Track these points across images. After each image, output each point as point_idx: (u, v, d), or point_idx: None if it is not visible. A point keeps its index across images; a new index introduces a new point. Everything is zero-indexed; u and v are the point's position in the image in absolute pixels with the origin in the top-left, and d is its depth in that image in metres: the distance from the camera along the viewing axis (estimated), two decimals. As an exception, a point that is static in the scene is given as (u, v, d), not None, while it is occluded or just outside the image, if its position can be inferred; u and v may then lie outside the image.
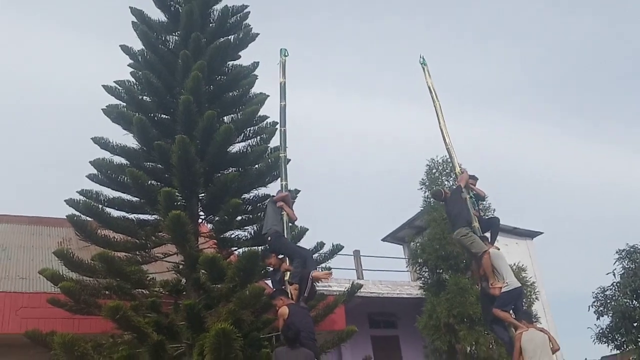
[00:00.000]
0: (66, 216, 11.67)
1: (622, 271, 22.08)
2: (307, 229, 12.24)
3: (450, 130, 10.77)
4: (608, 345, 22.80)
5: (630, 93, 71.21)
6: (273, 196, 9.17)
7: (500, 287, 8.43)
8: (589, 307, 22.48)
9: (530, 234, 22.64)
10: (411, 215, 20.09)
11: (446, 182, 14.82)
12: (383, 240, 22.49)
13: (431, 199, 15.07)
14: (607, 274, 22.81)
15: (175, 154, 10.88)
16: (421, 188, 15.48)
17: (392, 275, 20.15)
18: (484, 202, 13.10)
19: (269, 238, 7.95)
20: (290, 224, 9.00)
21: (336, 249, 12.49)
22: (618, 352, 23.96)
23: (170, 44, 13.78)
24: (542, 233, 22.79)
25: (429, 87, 11.31)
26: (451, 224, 9.43)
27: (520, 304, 8.80)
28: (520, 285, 8.77)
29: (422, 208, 15.82)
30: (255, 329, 10.55)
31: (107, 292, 11.00)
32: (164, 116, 12.99)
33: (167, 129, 12.58)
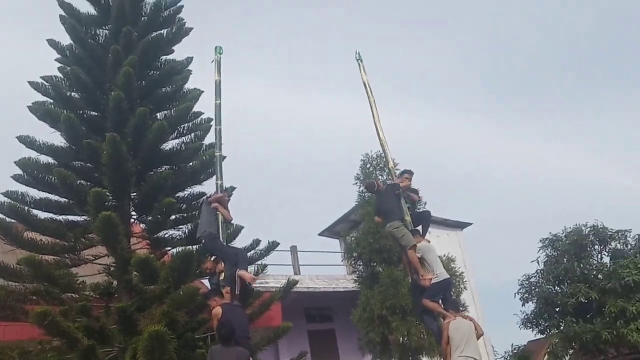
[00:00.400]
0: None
1: (546, 259, 23.36)
2: (242, 227, 12.25)
3: (384, 123, 11.04)
4: (533, 330, 24.08)
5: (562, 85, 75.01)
6: (209, 196, 9.11)
7: (430, 279, 8.78)
8: (515, 294, 23.64)
9: (460, 225, 23.52)
10: (347, 209, 20.49)
11: (380, 177, 15.14)
12: (320, 234, 22.83)
13: (366, 194, 15.40)
14: (532, 262, 24.04)
15: (105, 152, 10.62)
16: (356, 183, 15.81)
17: (328, 270, 20.46)
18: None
19: (203, 241, 7.91)
20: (225, 224, 8.99)
21: (271, 246, 12.58)
22: (542, 336, 25.38)
23: (101, 38, 13.34)
24: (471, 224, 23.73)
25: (364, 83, 11.52)
26: (383, 217, 9.68)
27: (448, 295, 9.21)
28: (449, 276, 9.17)
29: (357, 202, 16.12)
30: (189, 329, 10.48)
31: (34, 298, 10.64)
32: (94, 113, 12.61)
33: (97, 127, 12.22)
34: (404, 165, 10.57)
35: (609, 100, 73.04)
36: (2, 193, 11.60)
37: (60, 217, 11.98)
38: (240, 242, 12.84)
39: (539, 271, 23.37)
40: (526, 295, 23.27)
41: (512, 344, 33.54)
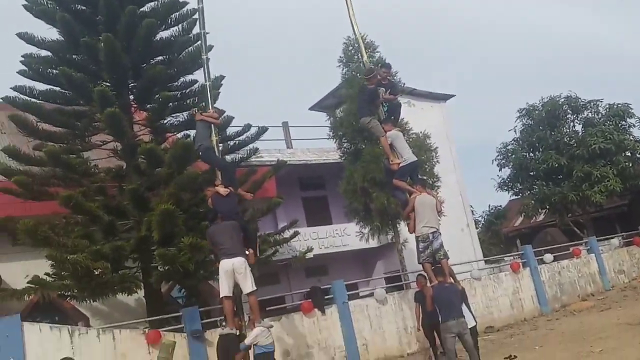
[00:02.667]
0: (8, 116, 12.33)
1: (522, 128, 24.92)
2: (233, 118, 13.46)
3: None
4: (508, 193, 26.44)
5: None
6: (201, 112, 9.71)
7: (398, 163, 10.18)
8: (493, 160, 25.57)
9: (444, 97, 24.47)
10: (335, 85, 21.32)
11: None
12: (310, 109, 23.73)
13: (350, 74, 16.30)
14: (509, 130, 25.77)
15: (102, 52, 11.51)
16: (339, 65, 16.63)
17: (319, 143, 21.66)
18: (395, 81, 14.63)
19: (200, 153, 9.00)
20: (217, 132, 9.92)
21: (261, 131, 13.89)
22: (517, 197, 27.67)
23: None
24: (454, 95, 24.72)
25: None
26: (358, 110, 10.95)
27: (415, 175, 10.65)
28: (415, 159, 10.52)
29: (340, 82, 17.06)
30: (194, 204, 12.07)
31: (55, 181, 12.11)
32: (85, 8, 13.11)
33: (90, 23, 12.87)
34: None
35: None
36: (11, 88, 12.62)
37: (67, 108, 13.03)
38: (234, 124, 14.21)
39: (515, 139, 25.07)
40: (503, 161, 25.22)
41: (489, 205, 36.51)
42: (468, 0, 77.47)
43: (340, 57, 16.51)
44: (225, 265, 7.71)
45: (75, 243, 10.91)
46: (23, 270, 11.91)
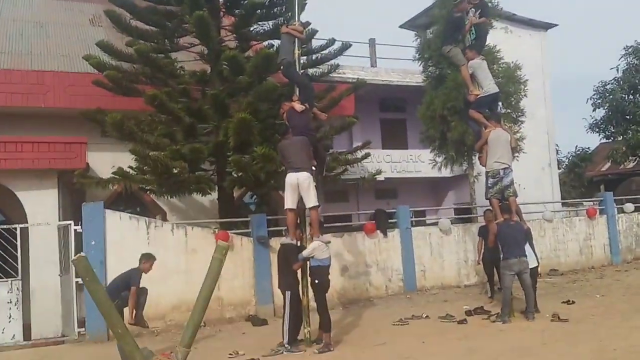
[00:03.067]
0: (104, 11, 12.78)
1: (626, 67, 22.99)
2: (317, 31, 13.30)
3: None
4: (599, 135, 24.90)
5: None
6: (287, 25, 9.59)
7: (477, 94, 9.83)
8: (588, 99, 23.96)
9: (545, 26, 22.82)
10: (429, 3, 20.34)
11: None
12: (401, 27, 22.90)
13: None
14: (611, 69, 23.81)
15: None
16: (433, -20, 15.80)
17: (404, 64, 21.03)
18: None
19: (281, 67, 9.02)
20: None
21: (344, 47, 13.66)
22: (608, 141, 26.07)
23: None
24: (556, 25, 22.95)
25: None
26: (442, 38, 10.59)
27: (495, 107, 10.29)
28: (496, 91, 10.10)
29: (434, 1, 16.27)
30: (271, 116, 12.27)
31: (143, 79, 12.63)
32: None
33: None
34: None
35: None
36: (108, -18, 13.01)
37: (159, 7, 13.32)
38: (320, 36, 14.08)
39: (616, 79, 23.25)
40: (599, 101, 23.58)
41: (577, 146, 34.62)
42: None
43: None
44: (290, 178, 7.94)
45: (158, 141, 11.52)
46: (111, 160, 12.69)
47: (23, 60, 15.45)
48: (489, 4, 14.77)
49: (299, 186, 7.90)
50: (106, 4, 13.40)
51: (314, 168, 8.19)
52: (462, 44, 10.12)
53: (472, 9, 10.13)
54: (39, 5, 19.31)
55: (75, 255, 6.42)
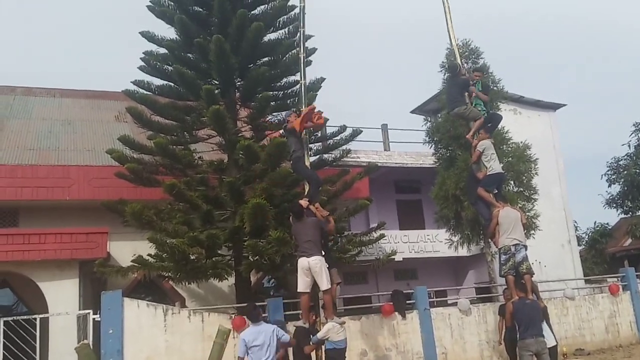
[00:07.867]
0: (126, 108, 13.56)
1: (637, 142, 23.27)
2: (328, 119, 13.72)
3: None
4: (617, 210, 24.77)
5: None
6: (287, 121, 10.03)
7: (485, 173, 10.09)
8: (602, 175, 24.12)
9: (553, 106, 23.40)
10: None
11: (465, 65, 15.76)
12: (412, 112, 23.72)
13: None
14: (623, 145, 24.12)
15: (212, 52, 12.34)
16: (441, 70, 16.52)
17: (417, 146, 21.56)
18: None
19: (291, 162, 9.44)
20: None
21: (355, 133, 14.16)
22: (626, 216, 25.88)
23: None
24: (564, 105, 23.53)
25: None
26: (450, 104, 11.02)
27: (500, 187, 10.49)
28: (502, 172, 10.36)
29: (440, 89, 16.96)
30: (285, 201, 12.59)
31: (163, 170, 13.16)
32: (201, 10, 14.13)
33: (204, 23, 13.92)
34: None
35: None
36: (131, 82, 13.93)
37: (179, 103, 14.10)
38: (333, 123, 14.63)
39: (629, 154, 23.49)
40: (613, 177, 23.72)
41: (595, 222, 34.27)
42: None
43: (442, 62, 16.40)
44: (302, 263, 8.13)
45: (176, 228, 11.83)
46: (131, 249, 12.96)
47: (50, 156, 16.27)
48: (494, 88, 15.42)
49: (311, 270, 8.04)
50: (130, 101, 14.23)
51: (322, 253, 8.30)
52: (470, 104, 10.57)
53: (473, 87, 10.71)
54: (67, 105, 20.52)
55: (78, 344, 6.53)
